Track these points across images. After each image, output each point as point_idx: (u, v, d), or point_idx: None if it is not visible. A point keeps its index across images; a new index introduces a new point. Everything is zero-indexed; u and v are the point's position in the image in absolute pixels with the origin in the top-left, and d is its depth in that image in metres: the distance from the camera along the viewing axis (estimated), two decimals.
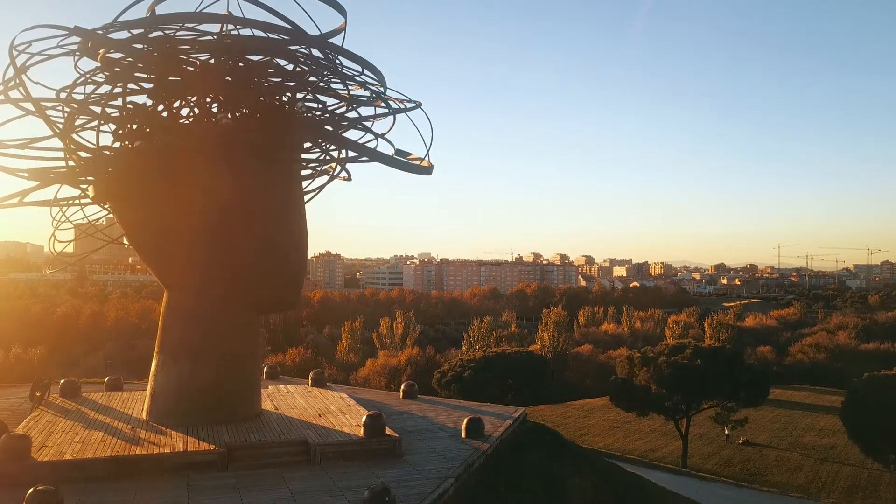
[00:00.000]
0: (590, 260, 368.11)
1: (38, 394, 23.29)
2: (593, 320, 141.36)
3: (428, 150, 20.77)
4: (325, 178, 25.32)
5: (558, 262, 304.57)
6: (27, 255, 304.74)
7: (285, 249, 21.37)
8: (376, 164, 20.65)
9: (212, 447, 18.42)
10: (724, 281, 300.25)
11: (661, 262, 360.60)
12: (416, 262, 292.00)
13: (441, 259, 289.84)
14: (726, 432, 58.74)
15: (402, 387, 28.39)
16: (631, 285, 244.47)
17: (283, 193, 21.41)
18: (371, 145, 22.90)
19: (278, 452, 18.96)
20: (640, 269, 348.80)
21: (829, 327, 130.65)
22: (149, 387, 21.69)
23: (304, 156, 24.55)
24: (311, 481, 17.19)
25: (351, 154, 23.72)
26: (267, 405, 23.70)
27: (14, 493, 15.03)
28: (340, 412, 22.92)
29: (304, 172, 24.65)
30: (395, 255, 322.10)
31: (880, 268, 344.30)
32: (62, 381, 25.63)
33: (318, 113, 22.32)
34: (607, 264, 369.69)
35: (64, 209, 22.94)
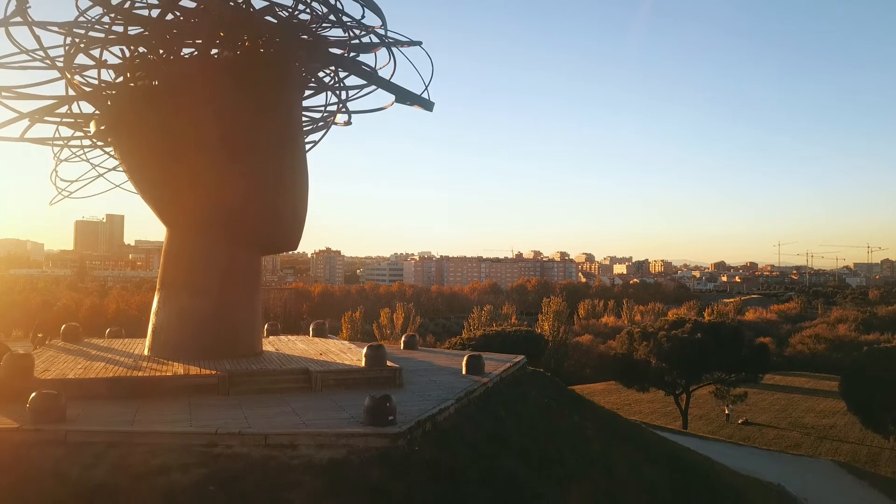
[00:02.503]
0: (590, 258, 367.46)
1: (39, 335, 23.38)
2: (593, 313, 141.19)
3: (427, 87, 20.86)
4: (326, 129, 25.44)
5: (559, 259, 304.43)
6: (27, 253, 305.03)
7: (284, 188, 21.43)
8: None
9: (213, 372, 18.50)
10: (725, 278, 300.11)
11: (661, 260, 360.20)
12: (416, 258, 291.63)
13: (441, 256, 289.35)
14: (726, 412, 58.74)
15: (403, 338, 28.42)
16: (631, 282, 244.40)
17: (283, 132, 21.48)
18: (373, 94, 23.05)
19: (279, 380, 19.05)
20: (640, 267, 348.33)
21: (829, 320, 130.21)
22: (150, 324, 21.76)
23: (306, 109, 24.68)
24: (313, 402, 17.29)
25: (352, 97, 23.84)
26: (268, 348, 23.78)
27: (18, 407, 15.07)
28: (341, 352, 23.01)
29: (307, 127, 24.78)
30: (395, 254, 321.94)
31: (881, 266, 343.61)
32: (63, 326, 25.72)
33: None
34: (607, 262, 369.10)
35: (67, 142, 22.97)
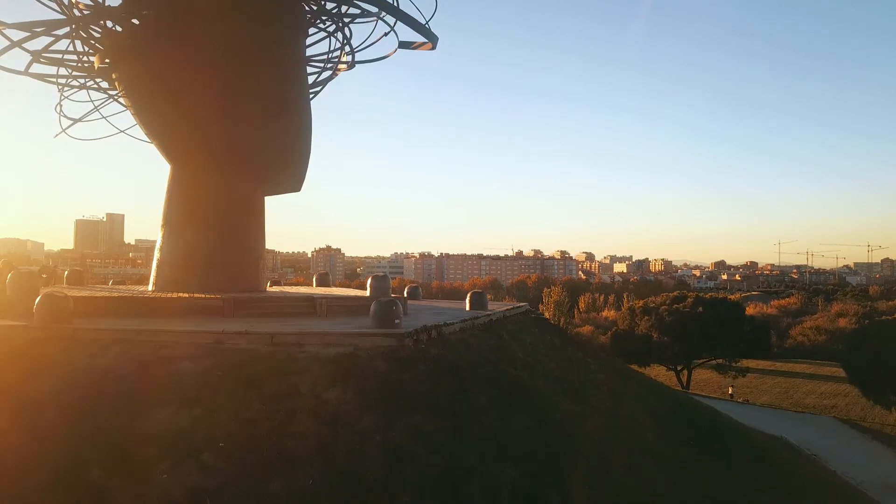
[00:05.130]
0: (590, 256, 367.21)
1: (44, 276, 23.44)
2: (594, 307, 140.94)
3: (427, 22, 20.91)
4: (329, 77, 25.54)
5: (559, 257, 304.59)
6: (27, 252, 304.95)
7: (287, 125, 21.48)
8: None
9: (218, 296, 18.54)
10: (725, 277, 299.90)
11: (662, 259, 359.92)
12: (417, 257, 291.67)
13: (441, 253, 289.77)
14: (730, 392, 58.81)
15: (406, 289, 28.33)
16: (631, 279, 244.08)
17: (286, 68, 21.53)
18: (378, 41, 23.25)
19: (284, 306, 19.10)
20: (640, 266, 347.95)
21: (829, 314, 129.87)
22: (154, 260, 21.80)
23: (309, 61, 24.72)
24: (318, 320, 17.33)
25: (357, 49, 23.92)
26: (272, 290, 23.83)
27: (25, 322, 15.09)
28: (345, 292, 23.05)
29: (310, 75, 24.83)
30: (396, 253, 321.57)
31: (881, 265, 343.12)
32: (66, 271, 25.77)
33: None
34: (608, 261, 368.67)
35: (70, 76, 23.01)
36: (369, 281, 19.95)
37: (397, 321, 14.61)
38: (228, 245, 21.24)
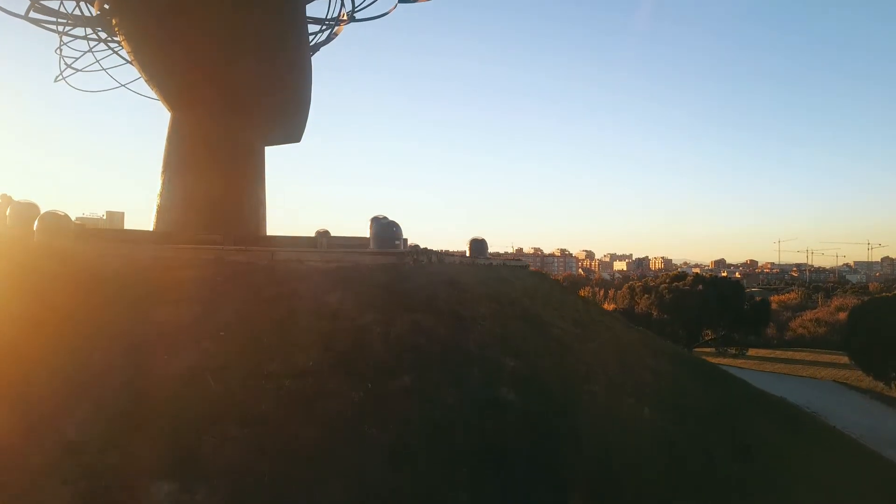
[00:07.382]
0: (590, 254, 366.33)
1: None
2: (594, 301, 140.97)
3: None
4: (329, 37, 25.54)
5: (559, 255, 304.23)
6: None
7: (288, 74, 21.49)
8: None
9: (219, 234, 18.54)
10: (725, 275, 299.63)
11: (662, 258, 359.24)
12: None
13: (441, 250, 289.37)
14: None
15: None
16: (631, 276, 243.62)
17: (286, 21, 21.52)
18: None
19: (286, 244, 19.09)
20: (640, 264, 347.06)
21: (829, 308, 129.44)
22: (155, 206, 21.78)
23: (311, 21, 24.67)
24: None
25: (358, 7, 23.96)
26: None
27: (24, 250, 15.10)
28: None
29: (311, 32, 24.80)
30: None
31: (881, 264, 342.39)
32: None
33: None
34: (608, 259, 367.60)
35: (69, 23, 22.96)
36: (369, 222, 19.90)
37: (397, 242, 14.61)
38: (229, 190, 21.25)
